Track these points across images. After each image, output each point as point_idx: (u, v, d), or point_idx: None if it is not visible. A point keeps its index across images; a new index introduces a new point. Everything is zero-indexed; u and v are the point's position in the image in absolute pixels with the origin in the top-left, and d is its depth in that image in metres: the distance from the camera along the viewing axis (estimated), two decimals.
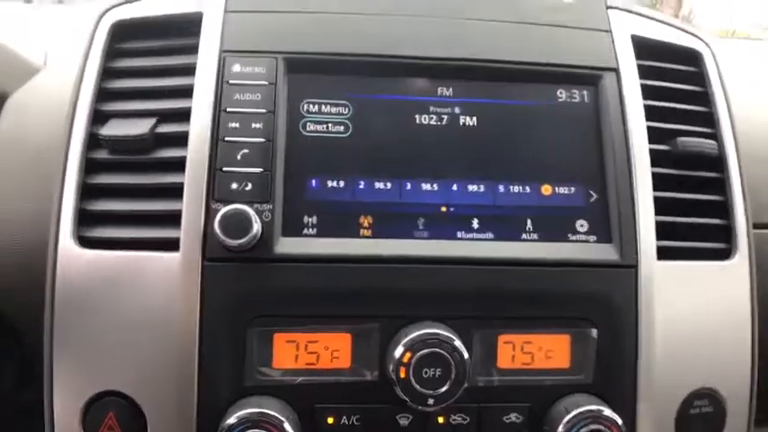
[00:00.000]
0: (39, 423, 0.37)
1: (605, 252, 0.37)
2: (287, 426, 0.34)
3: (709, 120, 0.43)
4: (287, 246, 0.35)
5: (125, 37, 0.41)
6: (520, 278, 0.36)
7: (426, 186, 0.38)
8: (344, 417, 0.36)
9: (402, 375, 0.34)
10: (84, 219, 0.37)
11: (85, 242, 0.36)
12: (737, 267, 0.39)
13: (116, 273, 0.36)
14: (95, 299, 0.36)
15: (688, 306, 0.38)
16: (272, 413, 0.34)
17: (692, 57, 0.45)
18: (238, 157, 0.36)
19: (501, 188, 0.38)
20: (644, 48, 0.43)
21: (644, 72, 0.42)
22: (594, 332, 0.36)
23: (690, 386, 0.38)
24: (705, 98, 0.43)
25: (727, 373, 0.38)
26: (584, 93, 0.41)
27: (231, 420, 0.34)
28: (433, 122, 0.39)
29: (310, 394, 0.35)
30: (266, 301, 0.35)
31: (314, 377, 0.35)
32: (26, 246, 0.39)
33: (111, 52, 0.41)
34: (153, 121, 0.38)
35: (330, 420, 0.36)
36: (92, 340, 0.36)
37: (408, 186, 0.38)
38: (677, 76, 0.44)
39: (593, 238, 0.38)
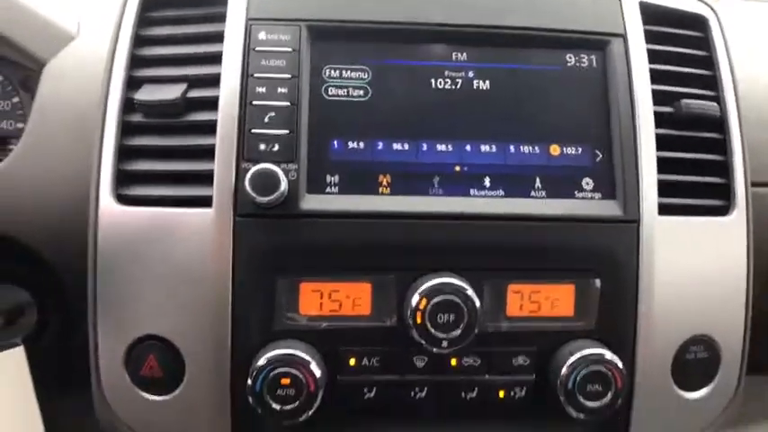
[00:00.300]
0: (80, 373, 0.41)
1: (609, 208, 0.39)
2: (313, 366, 0.37)
3: (712, 83, 0.45)
4: (311, 202, 0.38)
5: (155, 6, 0.44)
6: (529, 232, 0.39)
7: (441, 147, 0.40)
8: (365, 358, 0.39)
9: (418, 321, 0.37)
10: (122, 178, 0.40)
11: (124, 200, 0.39)
12: (735, 223, 0.41)
13: (153, 227, 0.39)
14: (134, 251, 0.39)
15: (687, 259, 0.40)
16: (300, 354, 0.37)
17: (698, 22, 0.46)
18: (266, 120, 0.39)
19: (512, 148, 0.40)
20: (651, 13, 0.44)
21: (650, 37, 0.44)
22: (598, 282, 0.39)
23: (686, 333, 0.40)
24: (709, 62, 0.45)
25: (722, 321, 0.41)
26: (593, 57, 0.42)
27: (262, 362, 0.37)
28: (447, 86, 0.41)
29: (334, 338, 0.39)
30: (292, 254, 0.38)
31: (337, 323, 0.39)
32: (69, 204, 0.42)
33: (143, 21, 0.43)
34: (184, 86, 0.40)
35: (352, 362, 0.39)
36: (132, 289, 0.39)
37: (424, 147, 0.40)
38: (682, 41, 0.45)
39: (598, 195, 0.40)
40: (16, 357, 0.41)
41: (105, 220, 0.39)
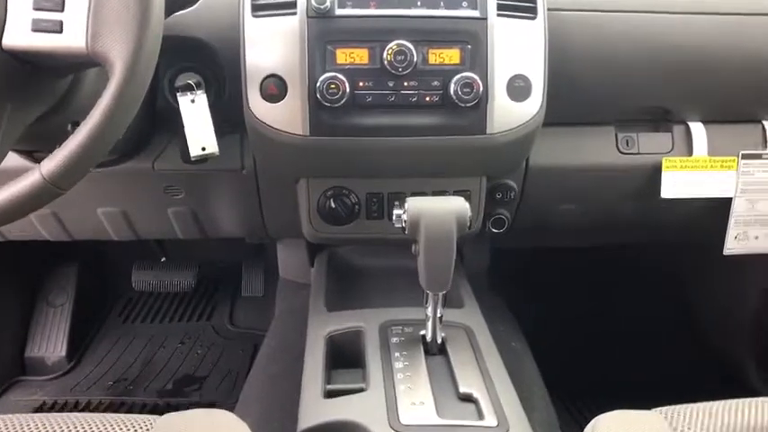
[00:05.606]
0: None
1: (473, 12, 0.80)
2: (346, 84, 0.78)
3: None
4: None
5: None
6: (439, 25, 0.80)
7: None
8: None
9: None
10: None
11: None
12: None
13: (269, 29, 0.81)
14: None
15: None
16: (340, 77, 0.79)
17: None
18: None
19: None
20: None
21: None
22: (469, 46, 0.80)
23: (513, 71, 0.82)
24: None
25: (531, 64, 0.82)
26: None
27: (319, 83, 0.80)
28: None
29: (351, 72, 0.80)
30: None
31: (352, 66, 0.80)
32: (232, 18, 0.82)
33: None
34: None
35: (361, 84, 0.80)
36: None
37: None
38: None
39: (465, 3, 0.81)
40: (203, 98, 0.85)
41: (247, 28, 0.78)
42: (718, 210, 1.04)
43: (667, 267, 1.55)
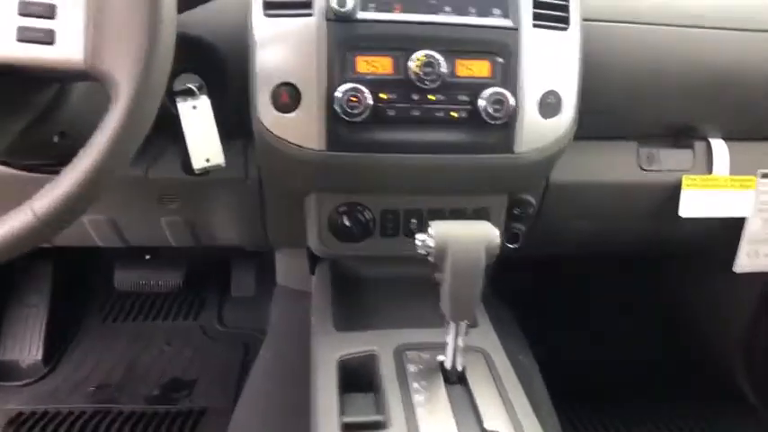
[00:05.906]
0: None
1: (506, 22, 0.75)
2: (366, 95, 0.72)
3: None
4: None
5: None
6: (468, 34, 0.74)
7: None
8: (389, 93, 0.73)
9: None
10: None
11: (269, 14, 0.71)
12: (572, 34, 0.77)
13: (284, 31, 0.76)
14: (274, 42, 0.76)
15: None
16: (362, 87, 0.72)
17: None
18: None
19: None
20: None
21: None
22: (500, 59, 0.75)
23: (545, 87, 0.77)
24: None
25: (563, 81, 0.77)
26: None
27: (338, 93, 0.73)
28: None
29: (374, 84, 0.73)
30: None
31: (374, 77, 0.73)
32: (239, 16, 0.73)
33: None
34: None
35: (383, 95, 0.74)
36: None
37: None
38: None
39: (498, 12, 0.75)
40: (206, 104, 0.77)
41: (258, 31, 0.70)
42: (729, 226, 1.02)
43: (667, 275, 1.55)
